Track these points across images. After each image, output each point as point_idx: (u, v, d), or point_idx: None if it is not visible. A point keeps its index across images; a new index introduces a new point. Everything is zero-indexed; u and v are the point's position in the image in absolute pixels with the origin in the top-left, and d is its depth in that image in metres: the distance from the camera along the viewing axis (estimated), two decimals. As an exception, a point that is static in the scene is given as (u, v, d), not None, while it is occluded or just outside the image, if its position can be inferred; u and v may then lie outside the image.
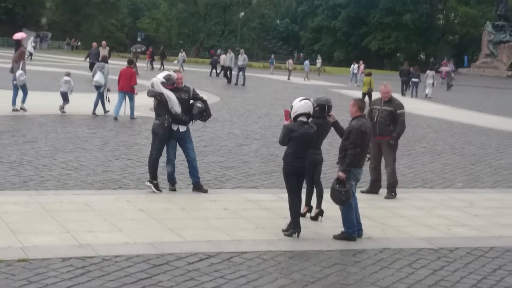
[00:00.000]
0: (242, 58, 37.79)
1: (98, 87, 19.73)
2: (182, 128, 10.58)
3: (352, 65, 49.38)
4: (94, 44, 35.80)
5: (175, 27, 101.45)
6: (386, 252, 8.12)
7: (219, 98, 27.24)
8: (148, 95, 10.77)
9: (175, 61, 49.42)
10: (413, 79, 37.99)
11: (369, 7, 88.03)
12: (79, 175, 11.40)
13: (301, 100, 8.66)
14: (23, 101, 19.05)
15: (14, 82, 18.97)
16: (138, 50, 41.43)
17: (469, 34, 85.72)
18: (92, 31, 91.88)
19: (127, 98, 19.28)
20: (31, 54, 47.07)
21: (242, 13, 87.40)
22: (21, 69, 19.05)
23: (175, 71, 11.04)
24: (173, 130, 10.50)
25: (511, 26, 71.70)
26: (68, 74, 19.80)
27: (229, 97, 28.40)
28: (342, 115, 16.44)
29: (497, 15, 73.11)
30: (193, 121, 10.78)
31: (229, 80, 38.10)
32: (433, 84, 38.46)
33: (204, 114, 10.69)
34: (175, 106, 10.34)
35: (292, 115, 8.60)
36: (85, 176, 11.30)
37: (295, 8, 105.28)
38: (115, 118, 18.74)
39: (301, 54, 69.18)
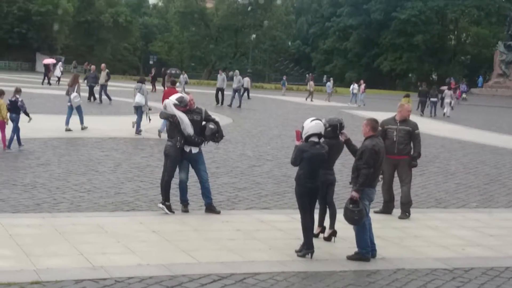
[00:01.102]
0: (237, 80, 36.99)
1: (137, 108, 20.67)
2: (195, 150, 10.59)
3: (352, 85, 48.76)
4: (93, 67, 36.13)
5: (187, 49, 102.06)
6: (400, 273, 8.06)
7: (231, 120, 27.29)
8: (160, 117, 10.81)
9: (178, 83, 49.50)
10: (432, 99, 38.45)
11: (380, 29, 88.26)
12: (92, 197, 11.42)
13: (312, 120, 8.67)
14: (82, 121, 20.65)
15: (69, 104, 20.43)
16: (173, 71, 43.23)
17: (481, 54, 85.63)
18: (104, 54, 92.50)
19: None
20: (58, 79, 47.92)
21: (254, 35, 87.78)
22: (76, 92, 20.45)
23: (186, 93, 11.08)
24: (186, 152, 10.52)
25: (523, 45, 71.56)
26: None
27: (241, 119, 28.45)
28: (354, 135, 16.40)
29: (509, 35, 72.93)
30: (206, 142, 10.80)
31: (217, 101, 36.77)
32: (450, 103, 38.68)
33: (217, 135, 10.71)
34: (188, 128, 10.37)
35: (304, 136, 8.60)
36: (98, 198, 11.33)
37: (306, 30, 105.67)
38: (159, 135, 19.55)
39: (311, 74, 69.19)
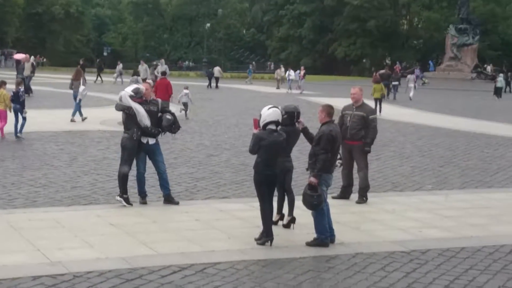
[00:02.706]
0: (144, 69, 35.78)
1: None
2: (152, 141, 10.53)
3: (288, 71, 47.51)
4: (25, 57, 34.94)
5: (141, 40, 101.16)
6: (359, 257, 8.15)
7: (188, 110, 27.17)
8: (116, 109, 10.70)
9: (114, 74, 49.14)
10: (394, 83, 39.33)
11: (334, 15, 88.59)
12: (48, 192, 11.27)
13: (269, 108, 8.69)
14: (74, 114, 21.50)
15: (78, 96, 21.54)
16: (154, 63, 43.80)
17: (433, 38, 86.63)
18: (57, 47, 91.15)
19: None
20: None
21: (208, 24, 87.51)
22: (83, 85, 21.85)
23: (143, 80, 11.00)
24: (143, 143, 10.44)
25: (473, 29, 72.70)
26: (187, 88, 24.63)
27: (198, 108, 28.33)
28: (311, 122, 16.50)
29: (460, 18, 74.00)
30: (163, 133, 10.74)
31: None
32: (415, 87, 40.29)
33: (174, 126, 10.67)
34: (144, 119, 10.29)
35: (261, 124, 8.62)
36: (54, 193, 11.18)
37: (261, 17, 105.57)
38: None
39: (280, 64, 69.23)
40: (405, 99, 37.67)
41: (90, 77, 47.04)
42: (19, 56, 51.29)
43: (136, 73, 23.59)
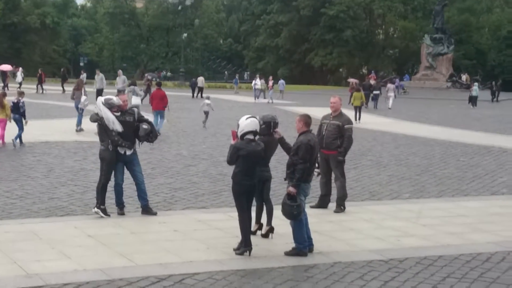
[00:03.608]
0: (121, 80, 35.30)
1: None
2: (129, 151, 10.48)
3: (254, 81, 48.03)
4: None
5: (118, 50, 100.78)
6: (337, 266, 8.18)
7: (165, 120, 27.10)
8: (90, 120, 10.67)
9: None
10: (375, 92, 40.08)
11: (310, 25, 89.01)
12: (24, 203, 11.17)
13: (247, 118, 8.72)
14: (78, 124, 22.17)
15: (80, 106, 22.09)
16: (150, 77, 44.27)
17: (409, 48, 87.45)
18: (33, 57, 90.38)
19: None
20: (20, 85, 47.05)
21: (185, 34, 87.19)
22: (84, 95, 22.25)
23: (118, 94, 10.95)
24: (120, 154, 10.40)
25: (448, 38, 73.47)
26: (208, 98, 25.90)
27: (175, 118, 28.29)
28: (289, 131, 16.55)
29: (435, 28, 74.74)
30: (140, 143, 10.71)
31: None
32: (395, 96, 41.55)
33: (151, 135, 10.64)
34: (112, 124, 10.17)
35: (239, 134, 8.63)
36: (30, 204, 11.08)
37: (238, 27, 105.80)
38: (159, 133, 20.51)
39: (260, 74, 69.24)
40: (384, 108, 38.02)
41: (66, 87, 46.85)
42: (5, 67, 51.50)
43: (133, 83, 24.54)
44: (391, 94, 40.63)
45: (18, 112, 18.32)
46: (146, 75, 49.35)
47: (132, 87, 23.65)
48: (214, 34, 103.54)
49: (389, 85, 42.92)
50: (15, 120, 18.28)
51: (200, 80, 48.61)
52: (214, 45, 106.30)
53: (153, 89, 26.12)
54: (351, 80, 50.32)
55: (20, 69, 53.45)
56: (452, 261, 8.56)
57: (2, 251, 8.24)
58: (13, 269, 7.59)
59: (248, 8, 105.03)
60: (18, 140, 18.14)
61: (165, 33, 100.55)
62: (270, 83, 46.32)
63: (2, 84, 48.26)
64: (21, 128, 18.25)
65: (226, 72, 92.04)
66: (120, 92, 11.76)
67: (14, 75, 51.65)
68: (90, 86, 38.02)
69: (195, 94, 47.73)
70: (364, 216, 11.05)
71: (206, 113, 25.16)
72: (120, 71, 38.44)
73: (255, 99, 44.96)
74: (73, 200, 11.56)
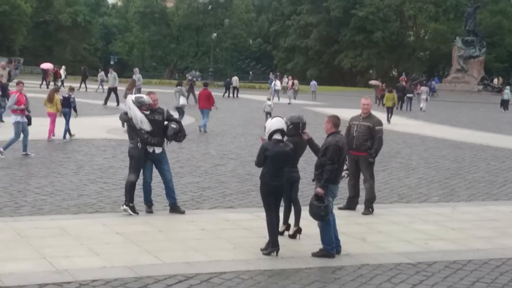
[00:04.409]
0: (112, 77, 34.96)
1: (180, 109, 23.63)
2: (158, 150, 10.53)
3: (273, 81, 48.01)
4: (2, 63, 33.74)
5: (148, 49, 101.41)
6: (365, 268, 8.13)
7: (194, 119, 27.19)
8: (119, 119, 10.74)
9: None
10: (408, 95, 40.91)
11: (340, 26, 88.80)
12: (54, 200, 11.28)
13: (272, 118, 8.77)
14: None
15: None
16: (193, 78, 44.21)
17: (440, 50, 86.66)
18: (64, 55, 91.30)
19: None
20: (62, 82, 47.61)
21: (215, 34, 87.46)
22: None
23: (149, 93, 11.00)
24: (149, 152, 10.45)
25: (480, 41, 72.69)
26: (269, 99, 27.42)
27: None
28: (317, 133, 16.50)
29: (466, 30, 73.98)
30: (168, 142, 10.75)
31: (106, 102, 33.69)
32: (426, 99, 41.67)
33: (179, 134, 10.67)
34: (139, 123, 10.23)
35: (267, 134, 8.64)
36: (60, 201, 11.19)
37: (267, 28, 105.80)
38: (205, 131, 22.62)
39: (278, 74, 69.17)
40: (415, 110, 38.66)
41: (90, 85, 47.33)
42: (46, 65, 52.23)
43: (180, 84, 26.07)
44: (424, 96, 40.90)
45: (69, 106, 19.32)
46: (187, 75, 50.50)
47: (179, 87, 24.86)
48: (243, 34, 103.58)
49: (422, 88, 43.49)
50: (64, 114, 19.20)
51: (235, 80, 49.36)
52: (244, 45, 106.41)
53: (199, 89, 27.22)
54: (374, 82, 50.36)
55: (63, 67, 54.40)
56: (481, 265, 8.46)
57: (32, 247, 8.33)
58: (42, 264, 7.66)
59: (278, 8, 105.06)
60: (68, 135, 19.24)
61: (194, 32, 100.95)
62: (290, 83, 46.30)
63: (43, 82, 49.03)
64: (67, 122, 19.20)
65: (251, 72, 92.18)
66: (151, 92, 11.82)
67: (55, 74, 51.78)
68: (105, 84, 39.54)
69: (230, 94, 48.38)
70: (393, 218, 10.98)
71: (269, 114, 25.02)
72: (136, 69, 38.60)
73: (278, 99, 44.89)
74: (102, 197, 11.65)
